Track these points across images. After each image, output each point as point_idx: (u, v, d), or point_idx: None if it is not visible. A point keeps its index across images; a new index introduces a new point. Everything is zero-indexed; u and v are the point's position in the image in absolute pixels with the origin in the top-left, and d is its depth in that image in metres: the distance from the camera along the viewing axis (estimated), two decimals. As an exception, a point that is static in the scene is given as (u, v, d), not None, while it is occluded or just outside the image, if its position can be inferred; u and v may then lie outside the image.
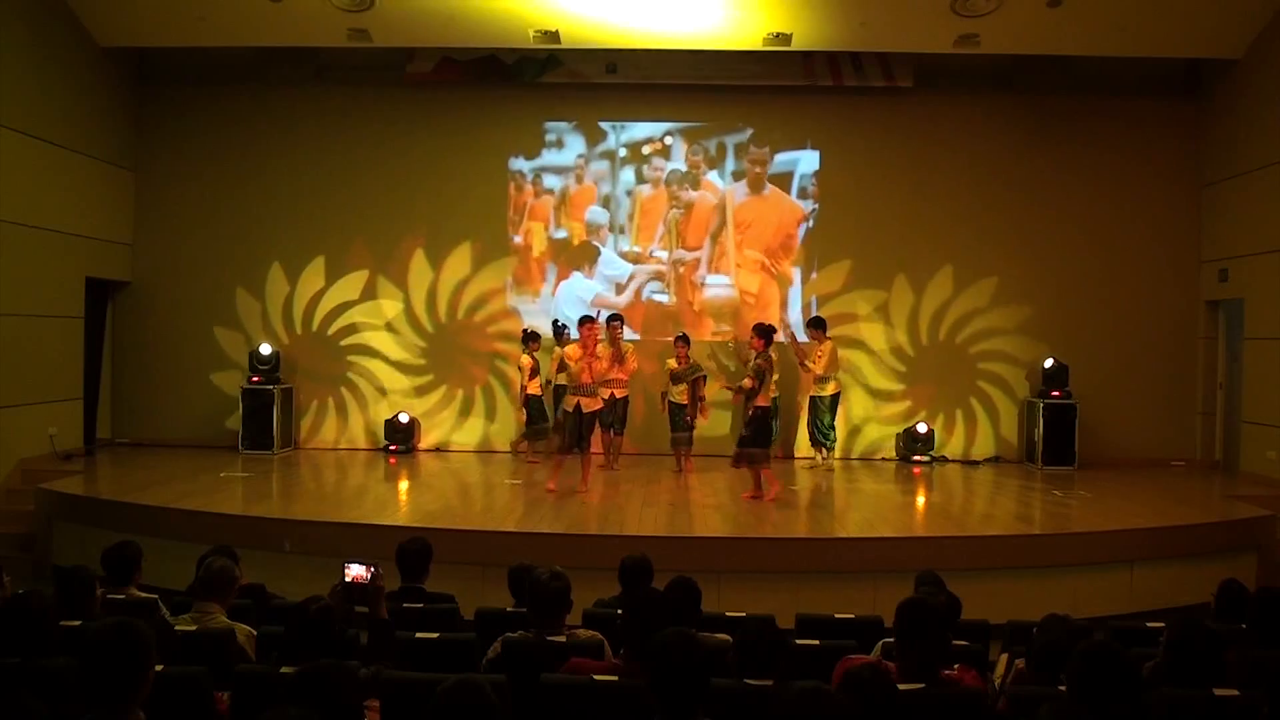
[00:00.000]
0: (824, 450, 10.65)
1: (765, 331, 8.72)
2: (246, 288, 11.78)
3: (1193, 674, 3.35)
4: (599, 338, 9.24)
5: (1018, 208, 11.56)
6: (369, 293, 11.82)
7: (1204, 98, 11.39)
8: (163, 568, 6.14)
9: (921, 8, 9.90)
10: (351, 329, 11.84)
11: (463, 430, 11.77)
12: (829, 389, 10.37)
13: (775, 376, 8.93)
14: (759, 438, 8.55)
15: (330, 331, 11.84)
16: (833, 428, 10.59)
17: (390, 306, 11.81)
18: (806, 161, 11.76)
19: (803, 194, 11.79)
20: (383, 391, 11.77)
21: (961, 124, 11.58)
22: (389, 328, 11.81)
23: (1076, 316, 11.45)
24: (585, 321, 9.15)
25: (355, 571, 4.08)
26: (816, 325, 10.54)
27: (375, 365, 11.81)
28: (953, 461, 11.37)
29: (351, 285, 11.82)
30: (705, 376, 10.50)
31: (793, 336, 10.64)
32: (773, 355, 8.72)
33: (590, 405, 8.87)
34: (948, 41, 10.28)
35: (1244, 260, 10.51)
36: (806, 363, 10.33)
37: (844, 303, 11.68)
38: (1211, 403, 11.34)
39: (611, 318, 10.01)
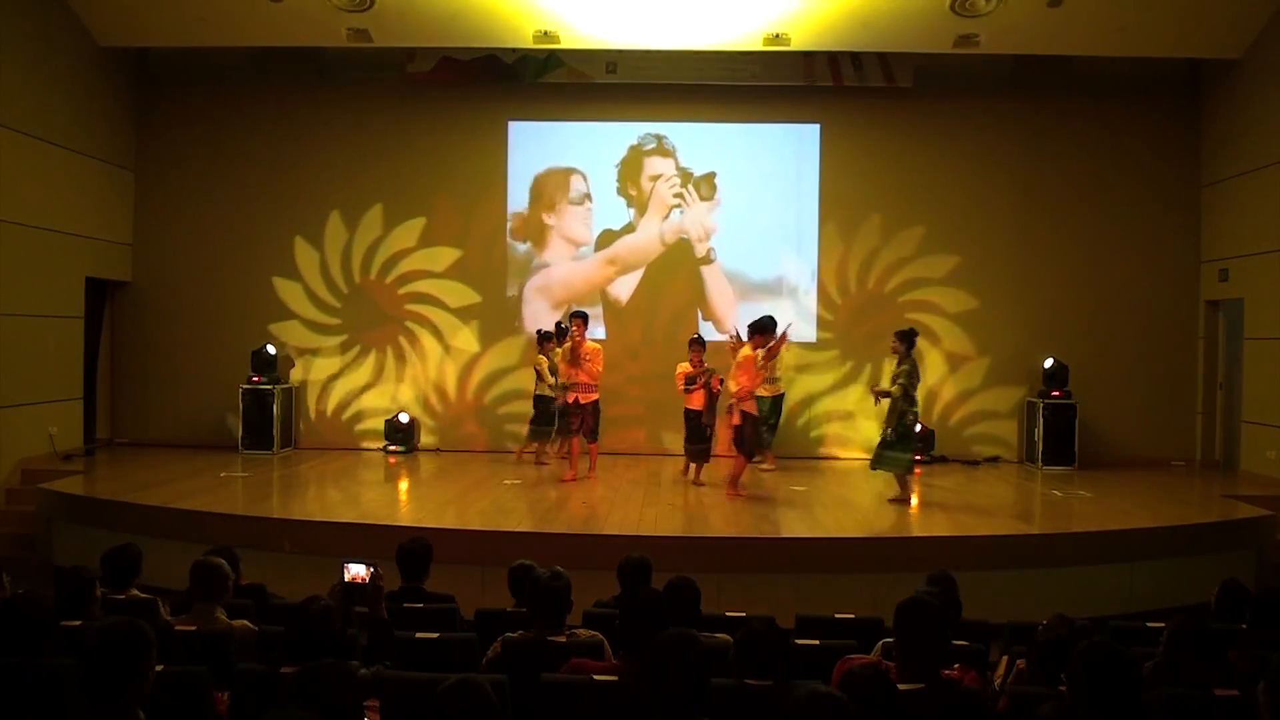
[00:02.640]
0: (760, 451, 10.21)
1: (906, 335, 8.46)
2: (248, 286, 11.77)
3: (1193, 674, 3.35)
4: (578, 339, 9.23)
5: (1017, 207, 11.56)
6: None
7: (1204, 98, 11.39)
8: (163, 568, 6.12)
9: (921, 8, 9.89)
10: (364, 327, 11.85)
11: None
12: (770, 390, 10.14)
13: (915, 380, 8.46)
14: (902, 443, 8.47)
15: (334, 341, 11.85)
16: (773, 429, 10.42)
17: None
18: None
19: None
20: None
21: (961, 124, 11.58)
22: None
23: (1076, 316, 11.44)
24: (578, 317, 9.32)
25: (355, 571, 4.09)
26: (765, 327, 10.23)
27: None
28: (952, 461, 11.37)
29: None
30: (719, 379, 9.48)
31: (736, 334, 9.87)
32: (915, 359, 8.52)
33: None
34: (948, 41, 10.27)
35: (1244, 260, 10.51)
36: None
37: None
38: (1211, 403, 11.34)
39: (573, 315, 9.39)
